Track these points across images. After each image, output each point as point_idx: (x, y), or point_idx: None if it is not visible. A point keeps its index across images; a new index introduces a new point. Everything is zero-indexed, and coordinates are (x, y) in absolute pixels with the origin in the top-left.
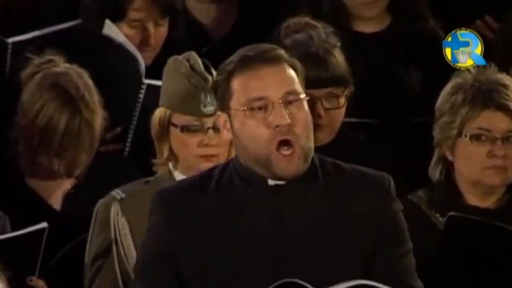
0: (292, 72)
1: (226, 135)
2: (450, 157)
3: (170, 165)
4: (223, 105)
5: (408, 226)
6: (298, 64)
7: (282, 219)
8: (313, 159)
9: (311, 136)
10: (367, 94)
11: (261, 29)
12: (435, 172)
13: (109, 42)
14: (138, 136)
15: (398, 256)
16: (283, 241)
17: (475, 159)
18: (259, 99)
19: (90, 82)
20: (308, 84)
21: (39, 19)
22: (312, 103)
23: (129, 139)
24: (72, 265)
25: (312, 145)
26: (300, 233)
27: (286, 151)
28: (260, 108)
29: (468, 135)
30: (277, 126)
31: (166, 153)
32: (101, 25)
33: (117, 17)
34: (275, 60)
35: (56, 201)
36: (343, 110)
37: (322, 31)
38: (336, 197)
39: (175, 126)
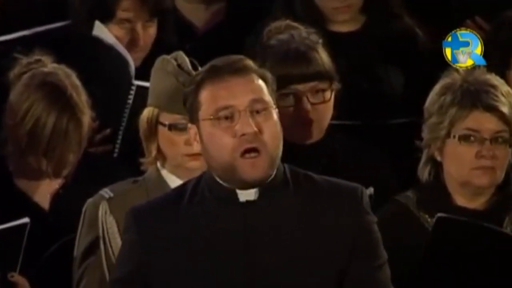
0: (260, 82)
1: (196, 147)
2: (438, 158)
3: (158, 164)
4: (193, 117)
5: (396, 226)
6: (268, 75)
7: (255, 234)
8: (284, 171)
9: (280, 145)
10: (345, 94)
11: (245, 28)
12: (423, 173)
13: (99, 43)
14: (128, 136)
15: (373, 268)
16: (256, 257)
17: (464, 159)
18: (226, 107)
19: (77, 82)
20: (292, 79)
21: (28, 19)
22: (297, 99)
23: (118, 140)
24: (60, 264)
25: (279, 153)
26: (273, 248)
27: (251, 155)
28: (226, 118)
29: (457, 135)
30: (243, 134)
31: (154, 152)
32: (91, 26)
33: (106, 17)
34: (243, 71)
35: (44, 201)
36: (330, 104)
37: (303, 31)
38: (308, 211)
39: (163, 125)
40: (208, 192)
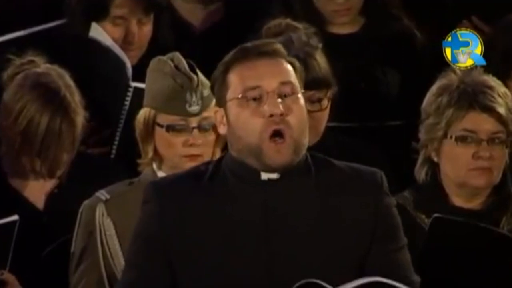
0: (289, 67)
1: (222, 129)
2: (435, 159)
3: (155, 165)
4: (220, 99)
5: None
6: (297, 63)
7: (275, 213)
8: (306, 155)
9: (306, 132)
10: (343, 96)
11: (243, 27)
12: (420, 173)
13: (97, 45)
14: (125, 138)
15: (393, 251)
16: (275, 236)
17: (461, 160)
18: (254, 88)
19: (71, 82)
20: None
21: (22, 19)
22: None
23: (115, 141)
24: (57, 265)
25: (305, 141)
26: (293, 228)
27: (277, 141)
28: (254, 99)
29: (454, 136)
30: (270, 115)
31: (150, 153)
32: (87, 26)
33: (100, 15)
34: (272, 54)
35: (39, 201)
36: (327, 111)
37: (303, 33)
38: (329, 193)
39: (160, 126)
40: (229, 172)
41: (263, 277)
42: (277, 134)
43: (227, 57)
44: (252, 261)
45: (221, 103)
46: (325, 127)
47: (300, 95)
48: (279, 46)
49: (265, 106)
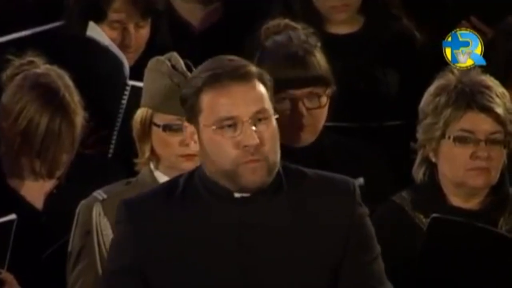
0: (262, 89)
1: (193, 146)
2: (433, 159)
3: (152, 165)
4: (191, 118)
5: (391, 227)
6: (267, 77)
7: (249, 229)
8: (278, 169)
9: (278, 151)
10: (342, 96)
11: (242, 27)
12: (418, 173)
13: (94, 44)
14: (122, 137)
15: (367, 262)
16: (251, 252)
17: (459, 160)
18: (229, 118)
19: (70, 82)
20: (289, 84)
21: (20, 19)
22: (293, 103)
23: (113, 141)
24: (55, 267)
25: (278, 159)
26: (268, 244)
27: (251, 164)
28: (229, 126)
29: (452, 136)
30: (245, 146)
31: (147, 153)
32: (83, 27)
33: (98, 18)
34: (245, 77)
35: (38, 202)
36: (326, 109)
37: (302, 32)
38: (301, 206)
39: (157, 125)
40: (202, 188)
41: None
42: (251, 162)
43: (198, 78)
44: (229, 278)
45: (192, 121)
46: (323, 126)
47: (273, 117)
48: (251, 67)
49: (240, 136)
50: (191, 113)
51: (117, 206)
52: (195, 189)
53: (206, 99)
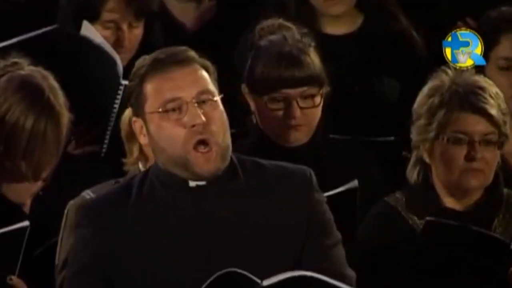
0: (204, 73)
1: (143, 140)
2: (427, 160)
3: (140, 164)
4: (138, 110)
5: (385, 228)
6: (209, 65)
7: (208, 218)
8: (231, 158)
9: (228, 134)
10: (337, 98)
11: (236, 27)
12: (412, 174)
13: (88, 43)
14: (116, 135)
15: (328, 246)
16: (212, 240)
17: (453, 162)
18: (173, 100)
19: (55, 84)
20: (284, 83)
21: (14, 21)
22: (287, 103)
23: (106, 140)
24: (44, 269)
25: (229, 143)
26: (229, 230)
27: (203, 150)
28: (174, 110)
29: (446, 138)
30: (193, 125)
31: (136, 153)
32: (78, 26)
33: (91, 18)
34: (186, 61)
35: (24, 204)
36: (319, 109)
37: (296, 32)
38: (258, 193)
39: None
40: (157, 182)
41: (202, 280)
42: (201, 143)
43: (141, 68)
44: (193, 267)
45: (139, 114)
46: (317, 126)
47: (217, 99)
48: (192, 53)
49: (186, 116)
50: (137, 105)
51: (76, 210)
52: (151, 183)
53: (149, 86)
